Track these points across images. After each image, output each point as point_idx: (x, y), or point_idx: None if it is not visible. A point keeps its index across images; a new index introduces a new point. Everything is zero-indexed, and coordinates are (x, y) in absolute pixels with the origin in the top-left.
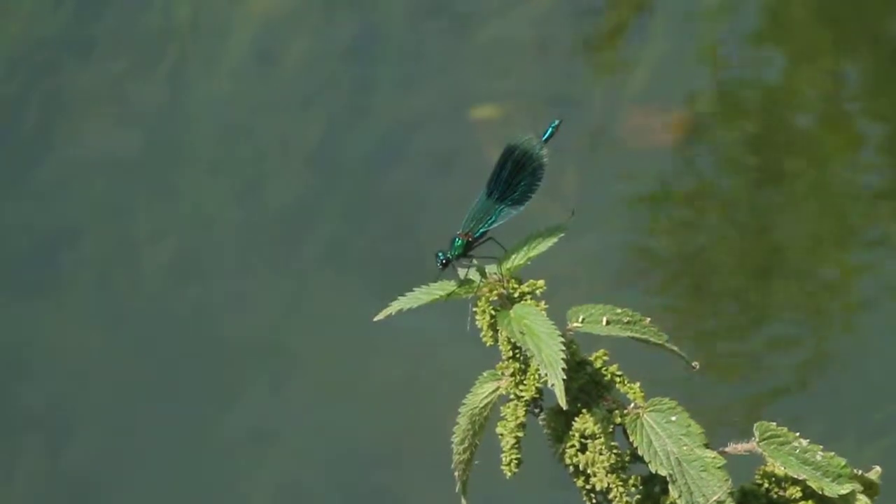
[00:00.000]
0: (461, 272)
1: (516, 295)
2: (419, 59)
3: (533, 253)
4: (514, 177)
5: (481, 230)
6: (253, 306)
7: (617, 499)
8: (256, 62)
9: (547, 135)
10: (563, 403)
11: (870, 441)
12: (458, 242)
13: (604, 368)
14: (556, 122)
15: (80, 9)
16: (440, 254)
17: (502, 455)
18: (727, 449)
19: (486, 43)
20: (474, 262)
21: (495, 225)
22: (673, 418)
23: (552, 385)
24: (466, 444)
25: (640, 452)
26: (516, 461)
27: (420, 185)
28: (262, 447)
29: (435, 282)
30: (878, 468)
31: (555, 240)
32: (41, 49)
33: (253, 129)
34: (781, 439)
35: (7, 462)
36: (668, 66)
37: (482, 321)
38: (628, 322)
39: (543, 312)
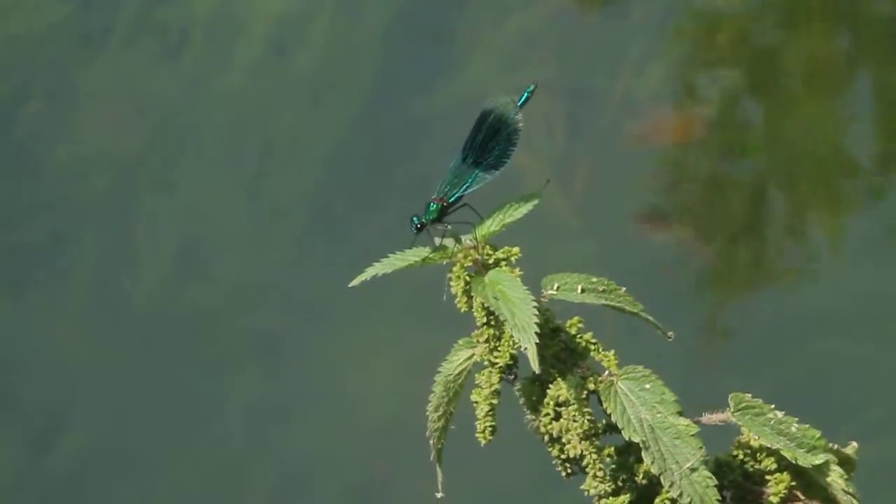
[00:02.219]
0: (436, 239)
1: (491, 261)
2: (436, 52)
3: (508, 220)
4: (489, 141)
5: (456, 195)
6: (257, 301)
7: (590, 465)
8: (271, 56)
9: (522, 100)
10: (535, 368)
11: (860, 443)
12: (433, 207)
13: (578, 336)
14: (532, 86)
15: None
16: (415, 218)
17: (477, 423)
18: (702, 419)
19: (504, 37)
20: (448, 227)
21: (470, 191)
22: (647, 386)
23: (525, 349)
24: (441, 412)
25: (613, 419)
26: (491, 428)
27: (432, 178)
28: (260, 441)
29: (409, 248)
30: (854, 444)
31: (530, 207)
32: (51, 41)
33: (264, 123)
34: (756, 410)
35: (7, 460)
36: (684, 63)
37: (457, 287)
38: (603, 291)
39: (518, 279)
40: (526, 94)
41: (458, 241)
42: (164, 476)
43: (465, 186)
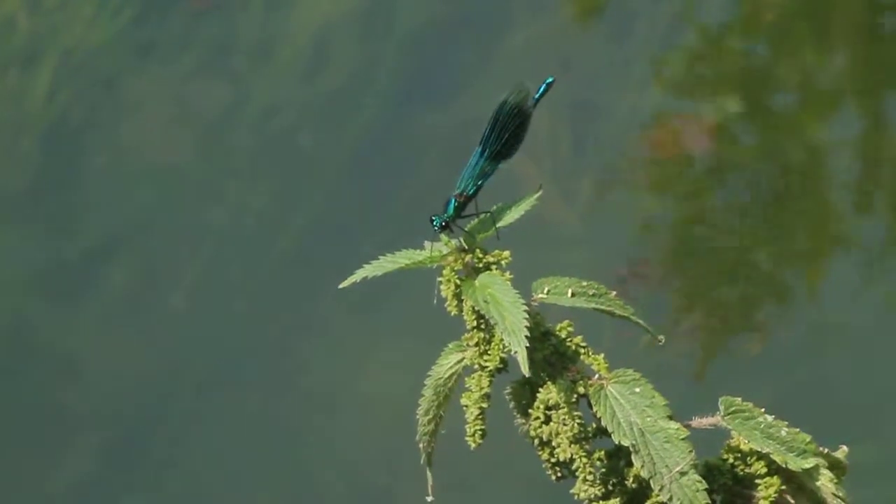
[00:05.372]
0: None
1: (481, 265)
2: (439, 69)
3: (500, 224)
4: (503, 132)
5: (474, 188)
6: (280, 318)
7: (580, 469)
8: (307, 70)
9: (540, 93)
10: (525, 371)
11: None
12: (454, 203)
13: (568, 339)
14: (550, 79)
15: (139, 15)
16: (435, 218)
17: (466, 426)
18: (692, 422)
19: (515, 52)
20: (465, 228)
21: (485, 182)
22: (637, 390)
23: (515, 353)
24: (431, 416)
25: (603, 423)
26: (480, 432)
27: (434, 194)
28: (270, 447)
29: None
30: (844, 447)
31: (522, 212)
32: (99, 55)
33: (298, 137)
34: (746, 414)
35: (55, 464)
36: (692, 78)
37: (447, 290)
38: (594, 294)
39: (508, 282)
40: (543, 87)
41: (472, 239)
42: (175, 479)
43: (483, 179)
